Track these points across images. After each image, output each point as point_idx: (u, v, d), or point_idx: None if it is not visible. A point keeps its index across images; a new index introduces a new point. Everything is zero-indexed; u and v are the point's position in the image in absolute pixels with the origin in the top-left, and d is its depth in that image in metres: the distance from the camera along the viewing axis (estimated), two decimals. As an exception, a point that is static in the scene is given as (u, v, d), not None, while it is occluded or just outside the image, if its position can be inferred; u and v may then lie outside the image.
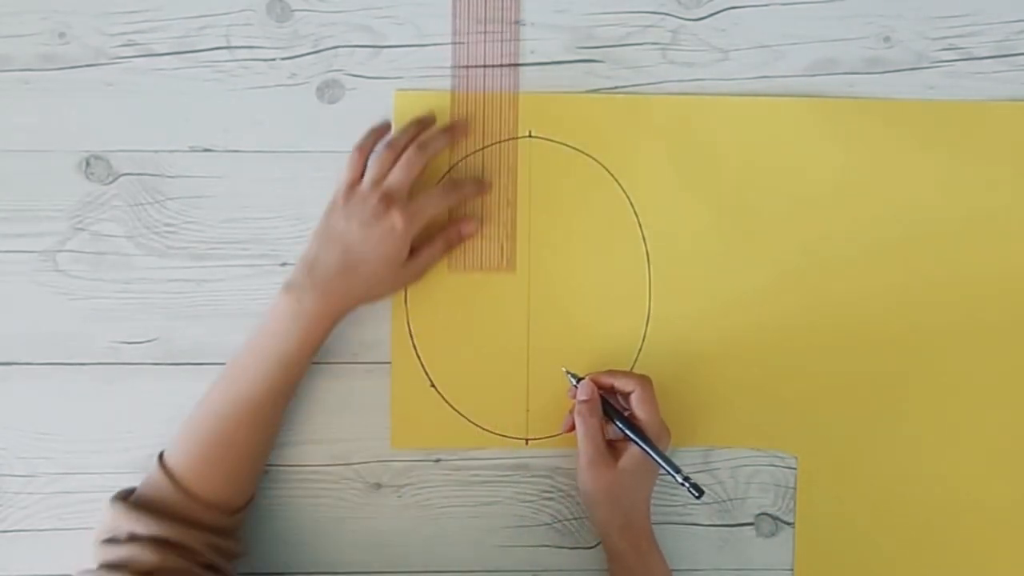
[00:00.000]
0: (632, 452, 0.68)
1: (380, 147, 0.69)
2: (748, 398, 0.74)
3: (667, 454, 0.68)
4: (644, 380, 0.69)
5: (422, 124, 0.71)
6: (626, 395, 0.69)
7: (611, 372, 0.70)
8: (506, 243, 0.73)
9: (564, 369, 0.72)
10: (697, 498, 0.66)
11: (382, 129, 0.71)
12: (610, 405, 0.70)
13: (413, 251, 0.70)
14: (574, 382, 0.71)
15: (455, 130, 0.72)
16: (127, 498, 0.67)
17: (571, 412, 0.71)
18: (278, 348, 0.67)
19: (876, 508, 0.75)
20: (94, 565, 0.64)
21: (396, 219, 0.67)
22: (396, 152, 0.69)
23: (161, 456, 0.68)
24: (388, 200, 0.67)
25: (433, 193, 0.70)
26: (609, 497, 0.68)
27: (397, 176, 0.68)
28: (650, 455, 0.68)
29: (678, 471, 0.67)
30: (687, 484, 0.66)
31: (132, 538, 0.64)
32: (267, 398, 0.68)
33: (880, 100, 0.74)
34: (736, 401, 0.74)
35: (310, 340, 0.68)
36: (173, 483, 0.66)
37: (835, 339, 0.74)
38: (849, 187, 0.74)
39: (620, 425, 0.69)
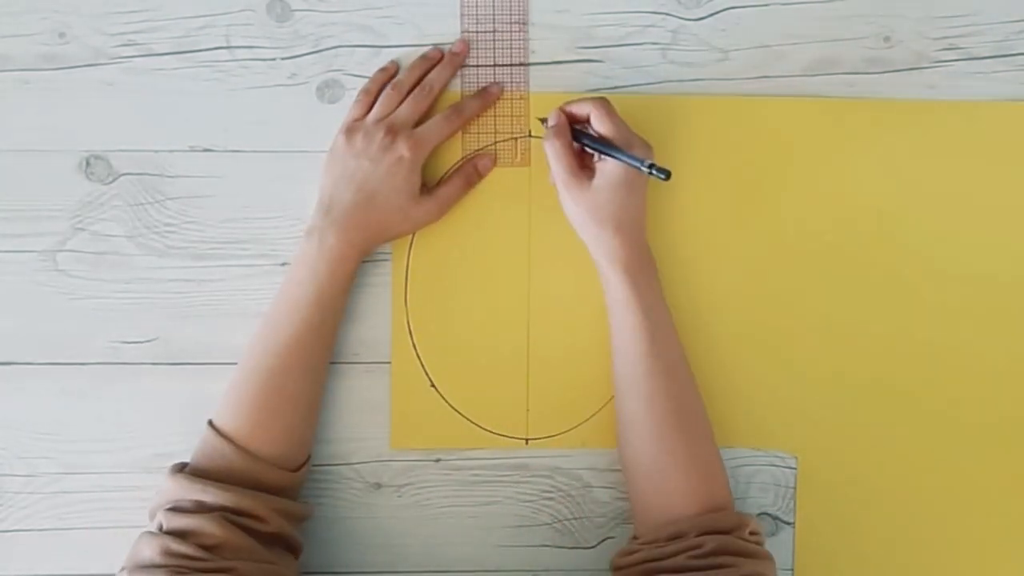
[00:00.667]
0: (604, 169, 0.67)
1: (387, 88, 0.71)
2: (748, 397, 0.74)
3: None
4: (599, 99, 0.68)
5: (428, 60, 0.72)
6: (587, 119, 0.69)
7: (568, 103, 0.69)
8: (520, 140, 0.73)
9: (537, 117, 0.72)
10: (664, 179, 0.65)
11: (389, 70, 0.72)
12: (578, 130, 0.69)
13: (433, 188, 0.71)
14: (544, 124, 0.70)
15: (457, 59, 0.72)
16: (183, 470, 0.67)
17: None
18: (311, 290, 0.68)
19: (876, 508, 0.75)
20: (154, 529, 0.64)
21: (402, 148, 0.69)
22: (402, 93, 0.71)
23: (212, 424, 0.68)
24: (393, 131, 0.69)
25: (437, 119, 0.71)
26: (593, 219, 0.67)
27: (402, 112, 0.70)
28: (611, 155, 0.67)
29: (641, 160, 0.66)
30: (652, 170, 0.65)
31: (199, 508, 0.64)
32: (311, 340, 0.68)
33: (880, 99, 0.74)
34: (736, 400, 0.74)
35: (339, 279, 0.68)
36: (233, 446, 0.66)
37: (834, 338, 0.74)
38: (849, 187, 0.74)
39: (585, 141, 0.68)
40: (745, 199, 0.74)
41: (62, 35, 0.73)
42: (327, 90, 0.73)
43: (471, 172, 0.72)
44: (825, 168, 0.74)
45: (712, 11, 0.74)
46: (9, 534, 0.73)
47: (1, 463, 0.73)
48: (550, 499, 0.75)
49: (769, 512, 0.75)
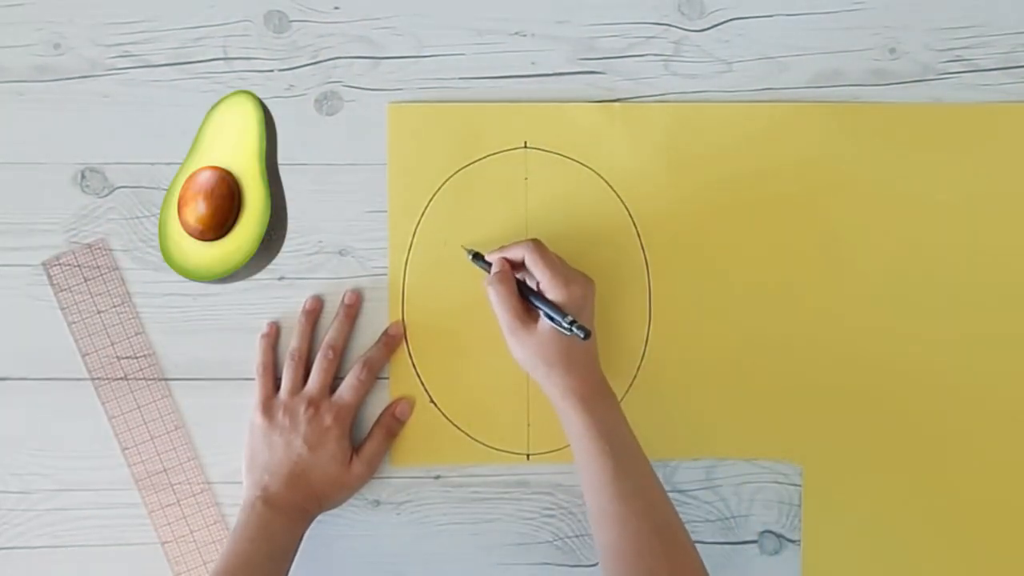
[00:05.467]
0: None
1: (287, 360, 0.71)
2: (752, 407, 0.74)
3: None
4: (531, 243, 0.68)
5: (309, 315, 0.72)
6: (522, 262, 0.68)
7: (501, 248, 0.69)
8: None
9: (462, 246, 0.71)
10: (584, 338, 0.64)
11: (270, 335, 0.72)
12: (518, 279, 0.69)
13: (357, 449, 0.71)
14: (470, 256, 0.70)
15: (352, 310, 0.72)
16: None
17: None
18: (263, 548, 0.66)
19: (884, 524, 0.74)
20: None
21: (327, 418, 0.70)
22: (303, 360, 0.71)
23: None
24: (314, 403, 0.70)
25: (352, 383, 0.71)
26: (542, 360, 0.66)
27: (315, 382, 0.71)
28: (535, 305, 0.66)
29: (564, 316, 0.65)
30: (572, 328, 0.64)
31: None
32: None
33: (884, 104, 0.73)
34: (740, 410, 0.74)
35: (282, 552, 0.67)
36: None
37: (841, 347, 0.74)
38: (852, 194, 0.74)
39: (523, 290, 0.68)
40: (745, 206, 0.73)
41: (57, 46, 0.72)
42: (325, 102, 0.73)
43: (391, 423, 0.72)
44: (826, 175, 0.74)
45: (715, 22, 0.73)
46: (3, 551, 0.72)
47: (-5, 480, 0.73)
48: (551, 516, 0.74)
49: (773, 530, 0.74)
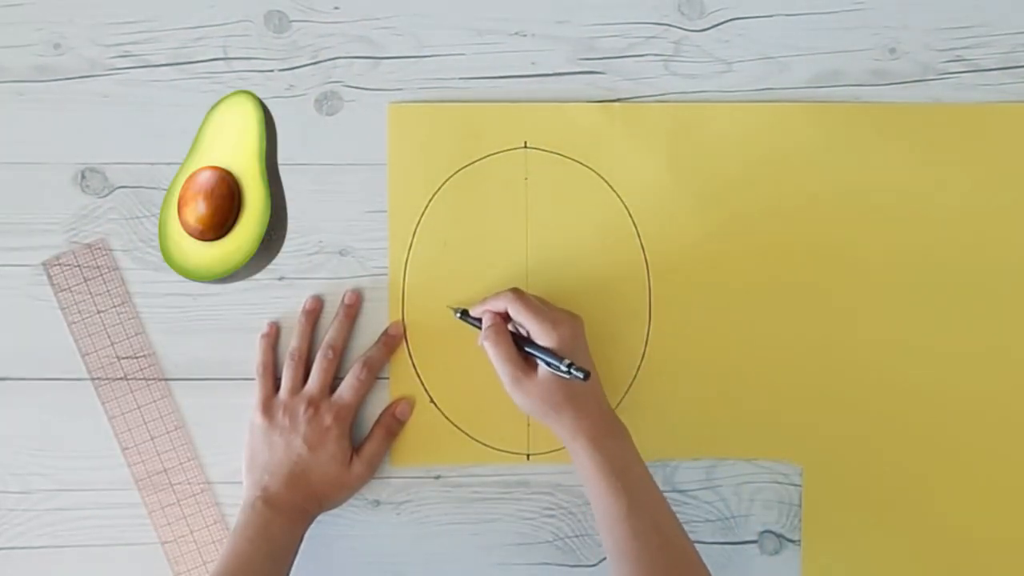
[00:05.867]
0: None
1: (287, 359, 0.71)
2: (752, 407, 0.74)
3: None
4: (510, 294, 0.68)
5: (309, 315, 0.72)
6: (506, 313, 0.69)
7: (484, 301, 0.70)
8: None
9: (448, 306, 0.72)
10: (584, 380, 0.64)
11: (270, 335, 0.72)
12: (510, 331, 0.69)
13: (357, 449, 0.71)
14: (457, 315, 0.71)
15: (352, 310, 0.72)
16: None
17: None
18: (263, 548, 0.66)
19: (884, 524, 0.74)
20: None
21: (327, 418, 0.69)
22: (303, 360, 0.71)
23: None
24: (314, 403, 0.70)
25: (351, 382, 0.71)
26: (548, 406, 0.67)
27: (315, 382, 0.71)
28: (532, 354, 0.66)
29: (561, 361, 0.65)
30: (571, 371, 0.65)
31: None
32: None
33: (884, 104, 0.73)
34: (740, 410, 0.74)
35: (283, 552, 0.67)
36: None
37: (841, 348, 0.74)
38: (852, 194, 0.74)
39: (518, 342, 0.68)
40: (745, 207, 0.73)
41: (57, 46, 0.72)
42: (325, 102, 0.72)
43: (391, 423, 0.72)
44: (826, 176, 0.73)
45: (715, 22, 0.73)
46: (3, 551, 0.72)
47: (-5, 480, 0.72)
48: (551, 516, 0.74)
49: (773, 530, 0.74)
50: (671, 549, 0.65)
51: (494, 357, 0.68)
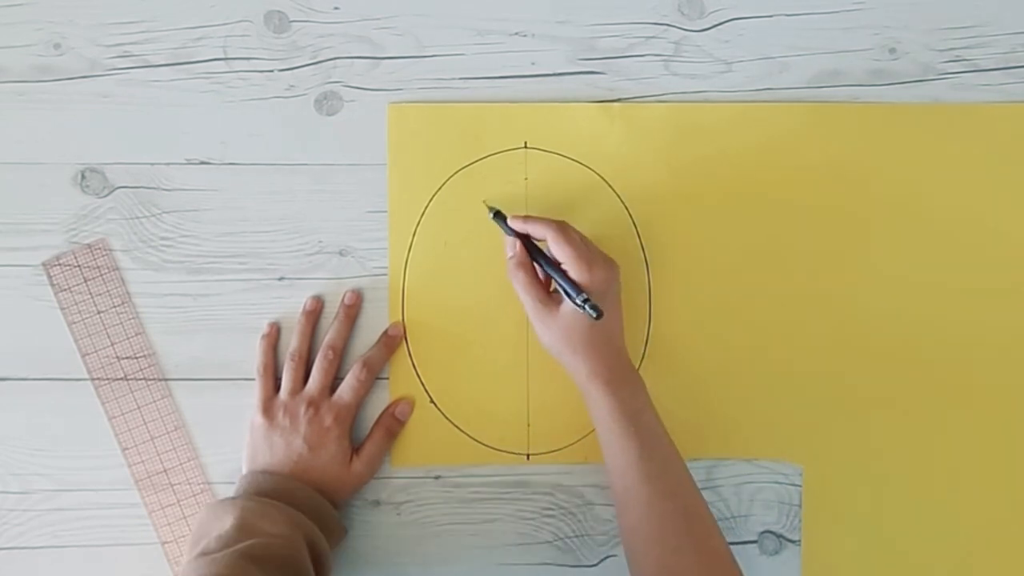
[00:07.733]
0: None
1: (287, 360, 0.71)
2: (752, 407, 0.74)
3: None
4: (557, 225, 0.68)
5: (310, 315, 0.72)
6: (543, 240, 0.69)
7: (527, 218, 0.69)
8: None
9: (483, 201, 0.71)
10: (596, 318, 0.64)
11: (271, 335, 0.72)
12: (536, 249, 0.69)
13: (357, 449, 0.71)
14: (491, 215, 0.71)
15: (352, 311, 0.72)
16: None
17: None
18: None
19: (884, 524, 0.74)
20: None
21: (328, 419, 0.69)
22: (304, 361, 0.71)
23: None
24: (314, 404, 0.70)
25: (351, 383, 0.71)
26: (566, 344, 0.67)
27: (316, 383, 0.71)
28: (557, 283, 0.66)
29: (578, 294, 0.65)
30: (585, 306, 0.65)
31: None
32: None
33: (884, 104, 0.73)
34: (740, 410, 0.74)
35: None
36: None
37: (842, 348, 0.74)
38: (851, 194, 0.74)
39: (540, 261, 0.68)
40: (746, 206, 0.73)
41: (57, 46, 0.72)
42: (325, 102, 0.72)
43: (391, 423, 0.72)
44: (830, 175, 0.74)
45: (715, 22, 0.73)
46: (3, 551, 0.72)
47: (-5, 480, 0.72)
48: (551, 516, 0.74)
49: (773, 530, 0.74)
50: (681, 495, 0.65)
51: (519, 288, 0.68)
